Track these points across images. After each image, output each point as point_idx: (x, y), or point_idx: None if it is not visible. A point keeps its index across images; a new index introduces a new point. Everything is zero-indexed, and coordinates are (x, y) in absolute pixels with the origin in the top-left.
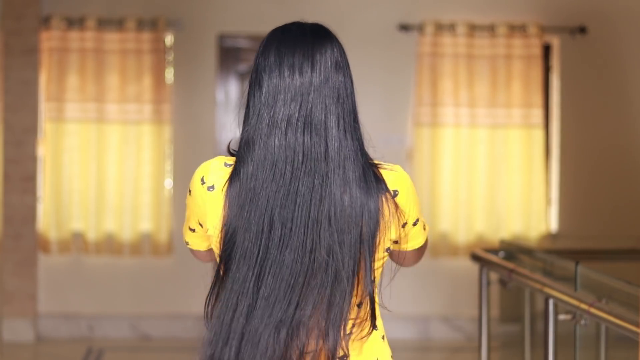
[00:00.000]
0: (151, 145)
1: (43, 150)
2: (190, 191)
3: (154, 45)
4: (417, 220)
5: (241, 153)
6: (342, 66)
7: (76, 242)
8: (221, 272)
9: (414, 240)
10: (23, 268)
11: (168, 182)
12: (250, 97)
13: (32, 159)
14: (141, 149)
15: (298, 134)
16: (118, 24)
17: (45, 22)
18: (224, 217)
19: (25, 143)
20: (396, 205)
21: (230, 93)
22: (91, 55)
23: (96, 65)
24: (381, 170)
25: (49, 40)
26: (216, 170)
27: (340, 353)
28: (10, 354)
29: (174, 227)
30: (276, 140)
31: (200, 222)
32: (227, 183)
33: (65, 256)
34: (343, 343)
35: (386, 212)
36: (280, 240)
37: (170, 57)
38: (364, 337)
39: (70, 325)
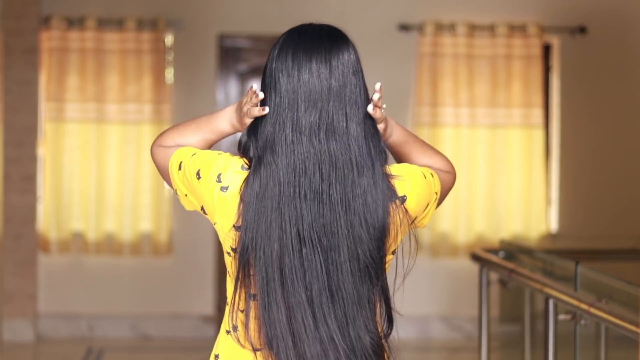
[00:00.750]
0: (151, 146)
1: (43, 150)
2: (198, 173)
3: (154, 45)
4: (436, 193)
5: (264, 156)
6: (358, 70)
7: (76, 242)
8: (239, 275)
9: (427, 217)
10: (23, 268)
11: None
12: (265, 99)
13: (32, 159)
14: (141, 149)
15: (323, 141)
16: (118, 24)
17: (45, 22)
18: (242, 220)
19: (25, 143)
20: (405, 211)
21: (230, 93)
22: (91, 55)
23: (96, 65)
24: (398, 171)
25: (49, 40)
26: (233, 172)
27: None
28: (10, 354)
29: (174, 227)
30: (302, 147)
31: (205, 210)
32: (243, 186)
33: (65, 256)
34: (384, 342)
35: (397, 218)
36: (326, 249)
37: (170, 57)
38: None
39: (70, 325)
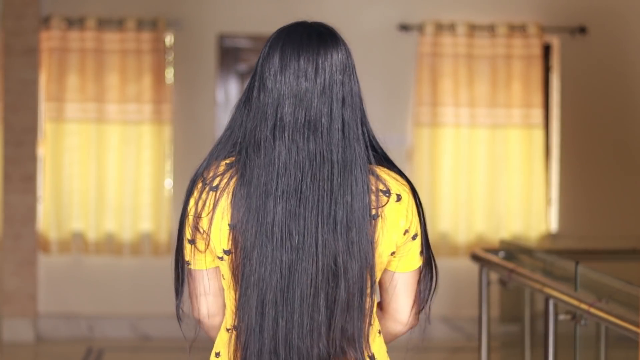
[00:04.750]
0: (151, 145)
1: (43, 150)
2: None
3: (154, 45)
4: (416, 235)
5: (248, 153)
6: (349, 69)
7: (76, 242)
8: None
9: (407, 257)
10: (23, 268)
11: (168, 182)
12: (251, 95)
13: (32, 159)
14: (141, 149)
15: (304, 140)
16: (118, 24)
17: (45, 22)
18: (231, 218)
19: (25, 143)
20: (398, 211)
21: (230, 93)
22: (91, 55)
23: (96, 65)
24: (385, 176)
25: (49, 40)
26: (217, 171)
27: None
28: (10, 354)
29: (174, 227)
30: (283, 145)
31: (200, 227)
32: (233, 184)
33: (65, 256)
34: (369, 345)
35: (389, 216)
36: (297, 248)
37: (170, 57)
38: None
39: (70, 325)
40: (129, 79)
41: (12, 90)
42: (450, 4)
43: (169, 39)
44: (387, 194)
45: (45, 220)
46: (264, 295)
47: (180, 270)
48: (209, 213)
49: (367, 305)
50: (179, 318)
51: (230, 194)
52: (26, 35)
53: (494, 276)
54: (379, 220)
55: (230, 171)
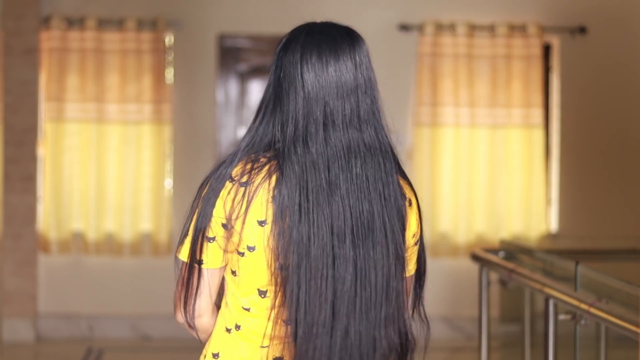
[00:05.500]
0: (151, 145)
1: (43, 150)
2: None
3: (154, 45)
4: (418, 242)
5: (294, 150)
6: (372, 67)
7: (76, 242)
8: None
9: (410, 262)
10: (23, 268)
11: (168, 182)
12: (283, 95)
13: (32, 159)
14: (141, 149)
15: (357, 132)
16: (118, 24)
17: (45, 22)
18: (275, 215)
19: (25, 143)
20: (410, 214)
21: (230, 93)
22: (91, 55)
23: (96, 65)
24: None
25: (49, 40)
26: (245, 168)
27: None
28: (10, 354)
29: (174, 227)
30: (336, 139)
31: (226, 223)
32: (268, 180)
33: (65, 256)
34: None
35: (409, 215)
36: (374, 244)
37: (170, 57)
38: None
39: (70, 325)
40: (129, 79)
41: (12, 90)
42: (450, 4)
43: (169, 39)
44: (404, 198)
45: (45, 220)
46: (336, 293)
47: (190, 273)
48: (241, 210)
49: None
50: (191, 326)
51: (270, 192)
52: (26, 35)
53: (494, 276)
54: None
55: (267, 167)
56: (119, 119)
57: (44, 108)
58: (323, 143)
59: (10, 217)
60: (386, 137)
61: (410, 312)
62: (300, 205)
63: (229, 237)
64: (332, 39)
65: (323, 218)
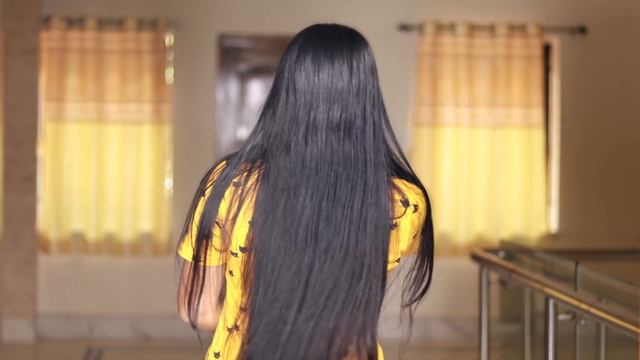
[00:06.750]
0: (151, 145)
1: (43, 150)
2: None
3: (154, 45)
4: (416, 234)
5: (275, 155)
6: (375, 70)
7: (76, 242)
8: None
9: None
10: (23, 268)
11: (168, 182)
12: (277, 98)
13: (32, 159)
14: (141, 149)
15: (339, 141)
16: (118, 24)
17: (45, 22)
18: (252, 217)
19: (25, 143)
20: (412, 220)
21: (230, 93)
22: (91, 55)
23: (96, 65)
24: (402, 187)
25: (49, 40)
26: (244, 171)
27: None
28: (10, 354)
29: (174, 227)
30: (316, 146)
31: (223, 224)
32: (256, 183)
33: (65, 256)
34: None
35: (403, 226)
36: (323, 250)
37: (170, 57)
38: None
39: (70, 325)
40: (129, 79)
41: (12, 90)
42: (450, 4)
43: (169, 39)
44: (406, 205)
45: (45, 220)
46: (283, 296)
47: (192, 270)
48: (231, 213)
49: (381, 305)
50: (194, 325)
51: (255, 194)
52: (26, 35)
53: (494, 276)
54: (395, 230)
55: (257, 171)
56: (119, 119)
57: (44, 108)
58: (303, 148)
59: (10, 217)
60: (381, 145)
61: (403, 309)
62: (266, 206)
63: (223, 238)
64: (330, 42)
65: (283, 219)
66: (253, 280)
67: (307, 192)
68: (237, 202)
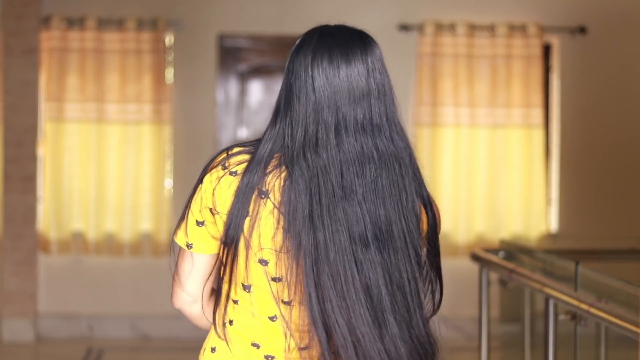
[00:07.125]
0: (151, 145)
1: (43, 150)
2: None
3: (154, 45)
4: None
5: (303, 157)
6: (387, 70)
7: (76, 242)
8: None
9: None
10: (23, 268)
11: (168, 182)
12: (295, 99)
13: (32, 159)
14: (141, 149)
15: (369, 137)
16: (118, 24)
17: (45, 22)
18: (287, 219)
19: (25, 143)
20: (428, 214)
21: (230, 93)
22: (91, 55)
23: (96, 65)
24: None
25: (49, 40)
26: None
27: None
28: (10, 354)
29: (174, 227)
30: (348, 144)
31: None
32: (283, 184)
33: (65, 256)
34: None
35: (427, 214)
36: (382, 244)
37: (170, 57)
38: None
39: (70, 325)
40: (129, 79)
41: (12, 90)
42: (450, 4)
43: (169, 39)
44: (425, 207)
45: (45, 220)
46: (372, 299)
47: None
48: (263, 215)
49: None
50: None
51: (282, 197)
52: (26, 35)
53: (494, 276)
54: (428, 214)
55: (282, 175)
56: (119, 119)
57: (44, 108)
58: (335, 149)
59: (10, 217)
60: (402, 142)
61: (429, 315)
62: (311, 210)
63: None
64: (344, 42)
65: (339, 223)
66: (309, 289)
67: (359, 193)
68: (263, 207)
